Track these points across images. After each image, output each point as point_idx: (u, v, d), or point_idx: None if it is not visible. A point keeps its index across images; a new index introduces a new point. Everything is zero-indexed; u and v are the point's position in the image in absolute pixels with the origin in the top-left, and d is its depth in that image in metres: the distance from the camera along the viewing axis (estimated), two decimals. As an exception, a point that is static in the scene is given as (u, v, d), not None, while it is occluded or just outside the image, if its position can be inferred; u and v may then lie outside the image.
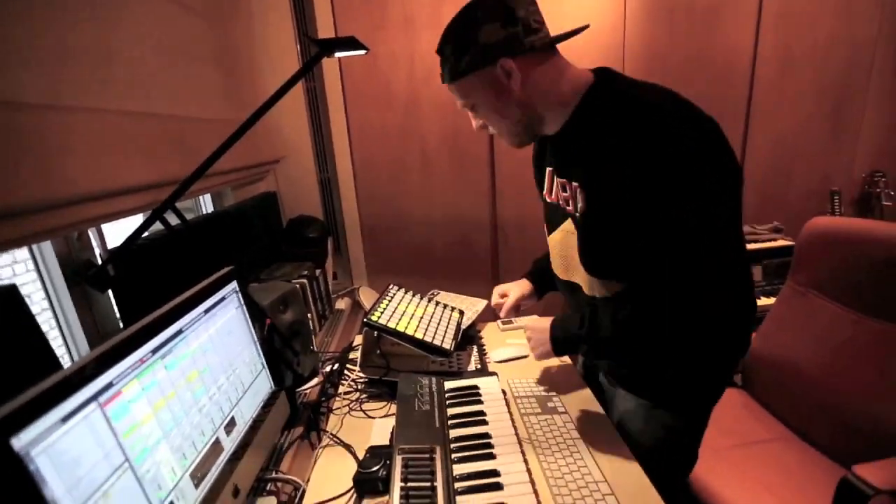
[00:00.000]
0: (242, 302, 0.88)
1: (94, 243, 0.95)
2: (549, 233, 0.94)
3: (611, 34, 1.81)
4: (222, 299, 0.81)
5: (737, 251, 0.73)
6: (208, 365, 0.73)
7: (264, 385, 0.91)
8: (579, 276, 0.87)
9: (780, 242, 1.87)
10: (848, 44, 1.84)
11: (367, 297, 1.80)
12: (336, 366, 1.25)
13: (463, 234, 1.98)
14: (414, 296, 1.23)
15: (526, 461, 0.79)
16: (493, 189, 1.92)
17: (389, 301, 1.16)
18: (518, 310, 1.14)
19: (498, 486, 0.72)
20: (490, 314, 1.57)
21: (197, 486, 0.65)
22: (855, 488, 0.91)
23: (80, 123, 0.75)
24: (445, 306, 1.24)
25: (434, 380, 1.02)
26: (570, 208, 0.84)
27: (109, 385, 0.53)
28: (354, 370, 1.20)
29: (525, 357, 1.22)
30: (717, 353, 0.82)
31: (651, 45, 1.83)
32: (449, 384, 1.02)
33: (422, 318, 1.13)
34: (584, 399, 1.01)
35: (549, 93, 0.77)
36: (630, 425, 0.91)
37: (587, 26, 0.81)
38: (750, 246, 1.88)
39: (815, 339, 1.27)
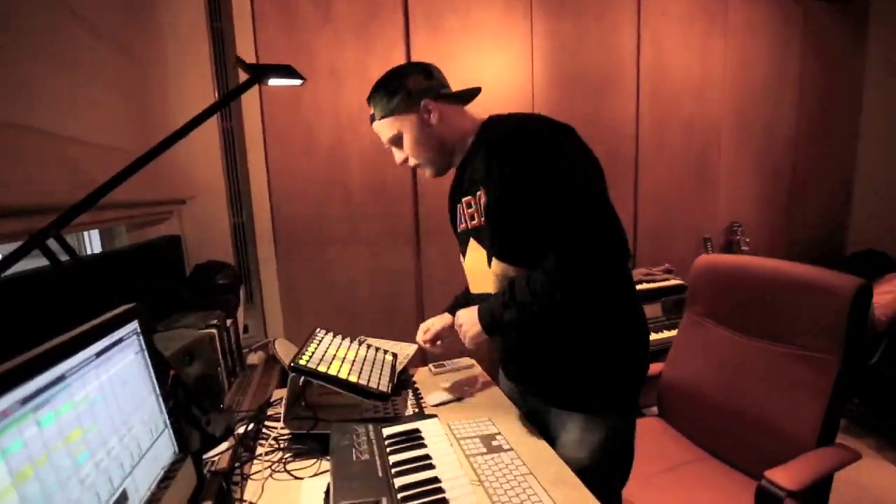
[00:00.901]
0: (144, 346, 0.74)
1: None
2: (463, 258, 1.07)
3: (521, 98, 2.03)
4: (119, 341, 0.68)
5: (604, 213, 0.84)
6: (96, 422, 0.59)
7: (166, 449, 0.75)
8: (489, 285, 0.96)
9: (673, 282, 2.13)
10: (703, 120, 2.29)
11: (283, 350, 1.63)
12: (251, 426, 1.09)
13: (388, 283, 1.94)
14: (343, 339, 1.15)
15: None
16: (417, 238, 1.93)
17: (317, 345, 1.07)
18: (440, 340, 1.16)
19: (456, 532, 0.65)
20: (420, 360, 1.51)
21: (69, 586, 0.49)
22: (770, 494, 0.98)
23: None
24: (377, 349, 1.17)
25: (371, 427, 0.93)
26: (474, 222, 0.97)
27: None
28: (275, 428, 1.06)
29: (461, 399, 1.18)
30: (614, 315, 0.93)
31: (555, 109, 2.08)
32: (387, 430, 0.94)
33: (354, 361, 1.05)
34: (527, 433, 1.00)
35: (457, 128, 0.98)
36: (567, 438, 0.94)
37: (479, 89, 1.02)
38: (648, 286, 2.11)
39: (714, 364, 1.42)
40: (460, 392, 1.20)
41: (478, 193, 0.93)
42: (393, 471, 0.80)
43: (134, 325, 0.73)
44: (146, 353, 0.75)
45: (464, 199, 0.99)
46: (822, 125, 2.62)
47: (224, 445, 1.02)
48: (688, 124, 2.27)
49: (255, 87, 1.65)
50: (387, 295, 1.94)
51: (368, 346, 1.16)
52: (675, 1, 2.14)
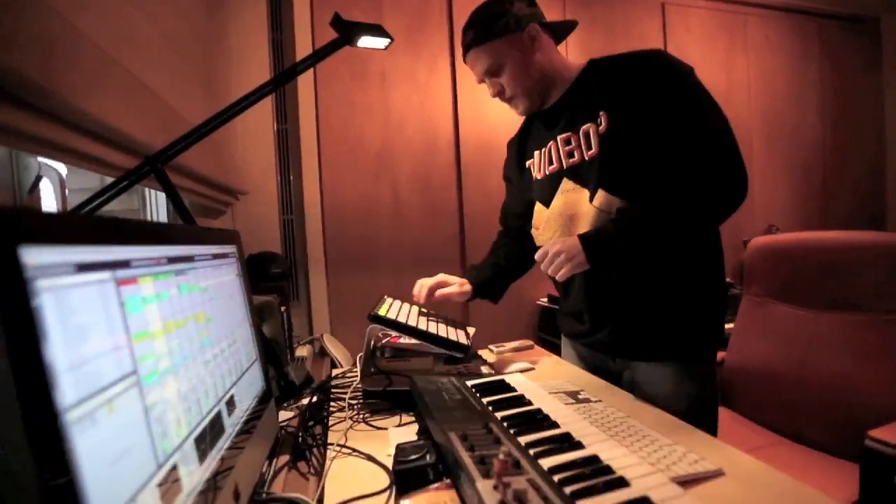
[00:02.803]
0: (241, 273, 0.74)
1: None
2: (547, 206, 1.01)
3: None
4: (226, 255, 0.68)
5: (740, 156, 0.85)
6: (214, 315, 0.58)
7: (258, 379, 0.73)
8: (584, 228, 0.91)
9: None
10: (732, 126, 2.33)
11: (333, 345, 1.60)
12: (314, 398, 1.04)
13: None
14: (412, 306, 1.13)
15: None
16: (461, 234, 1.95)
17: (389, 306, 1.05)
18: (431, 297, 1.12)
19: (579, 445, 0.61)
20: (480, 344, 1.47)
21: (201, 460, 0.46)
22: (877, 453, 0.91)
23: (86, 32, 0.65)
24: (446, 318, 1.14)
25: (453, 378, 0.89)
26: (573, 160, 0.93)
27: (127, 263, 0.39)
28: (344, 395, 1.02)
29: (532, 369, 1.14)
30: (717, 262, 0.93)
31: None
32: (471, 382, 0.90)
33: (427, 321, 1.03)
34: (609, 389, 0.95)
35: (556, 63, 0.95)
36: (662, 392, 0.90)
37: (576, 22, 1.00)
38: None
39: (782, 342, 1.36)
40: (529, 364, 1.16)
41: (586, 126, 0.89)
42: (490, 408, 0.76)
43: (234, 248, 0.73)
44: (243, 280, 0.74)
45: (560, 137, 0.94)
46: (847, 129, 2.67)
47: (290, 414, 0.99)
48: (717, 130, 2.32)
49: (312, 93, 1.74)
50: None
51: (437, 315, 1.14)
52: (698, 18, 2.27)
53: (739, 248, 2.35)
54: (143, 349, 0.39)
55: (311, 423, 0.90)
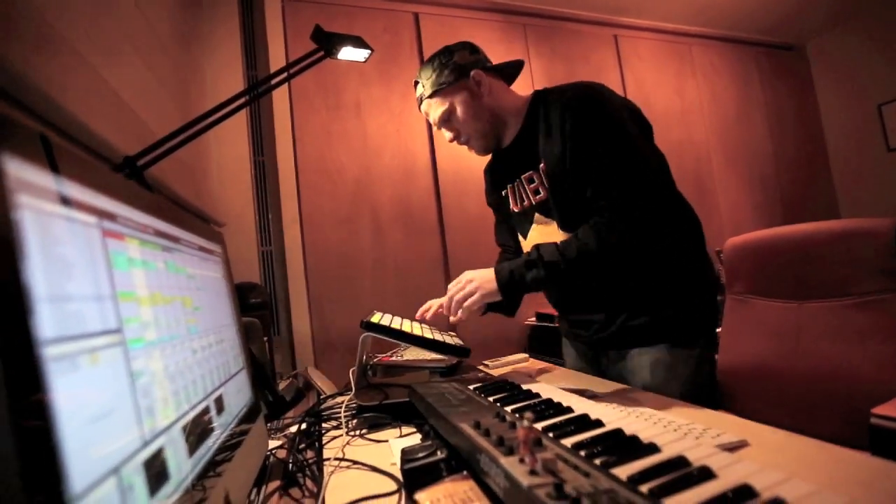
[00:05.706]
0: (226, 276, 0.70)
1: None
2: (525, 237, 1.05)
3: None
4: (211, 252, 0.64)
5: (662, 177, 0.91)
6: (201, 305, 0.54)
7: (246, 388, 0.67)
8: None
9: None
10: (691, 144, 2.48)
11: (318, 378, 1.51)
12: (303, 425, 0.96)
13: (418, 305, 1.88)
14: (403, 318, 1.09)
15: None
16: (444, 257, 1.93)
17: (381, 317, 1.01)
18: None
19: (599, 423, 0.57)
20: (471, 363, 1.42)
21: (190, 453, 0.40)
22: (885, 430, 0.90)
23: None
24: (439, 329, 1.10)
25: (454, 382, 0.85)
26: (539, 196, 0.95)
27: (113, 217, 0.36)
28: (336, 415, 0.94)
29: (531, 377, 1.09)
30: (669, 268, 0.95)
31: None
32: (472, 385, 0.85)
33: (422, 328, 0.99)
34: (613, 388, 0.92)
35: (507, 102, 0.97)
36: (656, 378, 0.90)
37: (522, 62, 1.02)
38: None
39: (770, 336, 1.37)
40: (528, 374, 1.12)
41: (540, 165, 0.92)
42: (498, 403, 0.72)
43: (220, 248, 0.69)
44: (229, 284, 0.70)
45: (523, 176, 0.97)
46: (793, 141, 2.89)
47: (278, 443, 0.90)
48: (677, 149, 2.46)
49: (288, 124, 1.75)
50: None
51: (430, 327, 1.10)
52: (647, 48, 2.47)
53: (714, 258, 2.43)
54: (128, 310, 0.35)
55: (301, 445, 0.82)
